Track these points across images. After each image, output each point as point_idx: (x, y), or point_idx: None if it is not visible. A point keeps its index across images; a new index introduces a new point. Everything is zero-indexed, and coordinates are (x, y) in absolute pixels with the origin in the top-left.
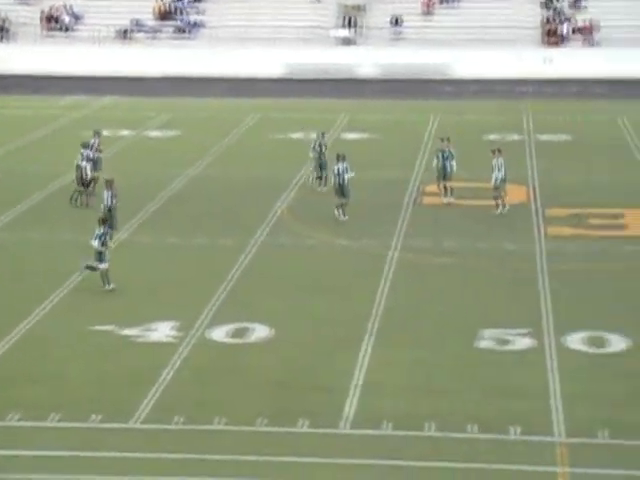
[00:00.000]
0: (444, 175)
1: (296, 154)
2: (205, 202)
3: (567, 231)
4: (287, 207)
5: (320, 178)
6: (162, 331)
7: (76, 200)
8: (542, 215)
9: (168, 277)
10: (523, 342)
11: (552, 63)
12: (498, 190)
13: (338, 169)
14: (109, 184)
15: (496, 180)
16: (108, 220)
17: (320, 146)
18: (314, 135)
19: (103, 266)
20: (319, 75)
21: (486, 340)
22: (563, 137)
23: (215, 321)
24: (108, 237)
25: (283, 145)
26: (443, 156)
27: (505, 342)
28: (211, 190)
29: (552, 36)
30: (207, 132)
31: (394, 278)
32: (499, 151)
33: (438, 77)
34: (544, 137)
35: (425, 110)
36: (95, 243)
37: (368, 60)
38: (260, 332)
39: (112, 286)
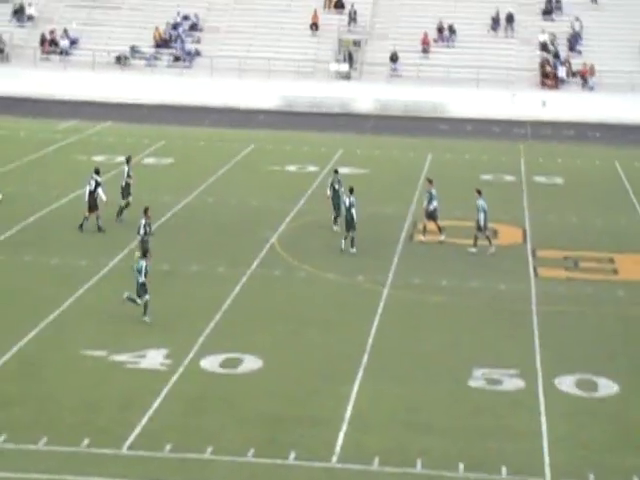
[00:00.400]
0: (429, 215)
1: (290, 186)
2: (198, 231)
3: (559, 273)
4: (280, 239)
5: (336, 218)
6: (154, 358)
7: (81, 226)
8: (535, 256)
9: (160, 305)
10: (514, 383)
11: (548, 106)
12: (483, 230)
13: (347, 202)
14: (146, 212)
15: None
16: (146, 250)
17: (333, 185)
18: (314, 168)
19: (147, 297)
20: (315, 108)
21: (477, 379)
22: (558, 180)
23: (206, 350)
24: (148, 268)
25: (278, 177)
26: (430, 196)
27: (496, 382)
28: (205, 219)
29: (549, 79)
30: (202, 161)
31: (386, 314)
32: (479, 192)
33: (434, 115)
34: (539, 179)
35: (421, 147)
36: (141, 278)
37: (365, 95)
38: (250, 363)
39: (149, 319)
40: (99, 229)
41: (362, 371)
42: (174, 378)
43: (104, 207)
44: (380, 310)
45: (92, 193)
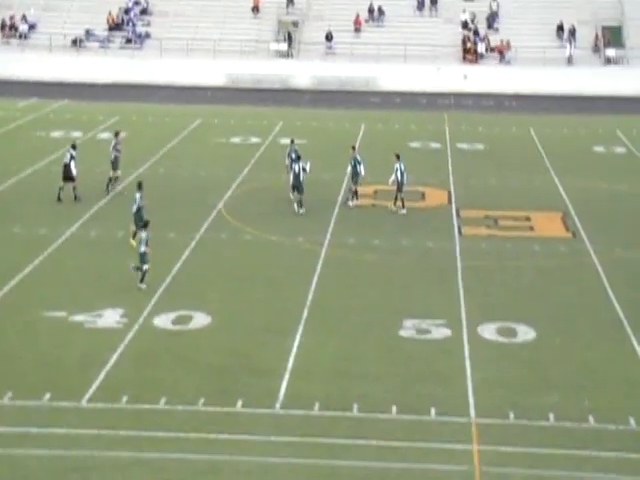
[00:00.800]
0: (354, 180)
1: (235, 157)
2: (150, 199)
3: (481, 231)
4: (226, 205)
5: (293, 186)
6: (110, 317)
7: (59, 197)
8: (459, 216)
9: (115, 268)
10: (441, 332)
11: (470, 79)
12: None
13: (295, 168)
14: (140, 185)
15: (394, 182)
16: (147, 221)
17: (290, 154)
18: (256, 139)
19: (146, 267)
20: (257, 85)
21: (408, 329)
22: (479, 146)
23: (159, 309)
24: (148, 238)
25: (223, 148)
26: (354, 162)
27: (425, 331)
28: (156, 188)
29: (470, 54)
30: (153, 135)
31: (324, 272)
32: (397, 156)
33: (366, 89)
34: (462, 145)
35: (354, 119)
36: (142, 247)
37: (303, 72)
38: (200, 319)
39: (144, 286)
40: (75, 198)
41: (303, 325)
42: (129, 335)
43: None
44: (319, 268)
45: (67, 165)
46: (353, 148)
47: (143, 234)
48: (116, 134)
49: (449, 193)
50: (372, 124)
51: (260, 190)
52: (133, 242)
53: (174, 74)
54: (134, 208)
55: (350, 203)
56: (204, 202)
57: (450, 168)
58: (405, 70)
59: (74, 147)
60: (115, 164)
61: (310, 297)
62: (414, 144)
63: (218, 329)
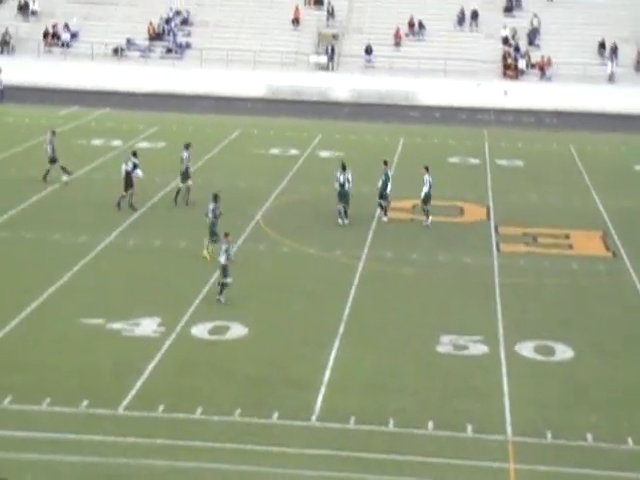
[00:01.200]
0: (384, 195)
1: (274, 168)
2: (189, 209)
3: (519, 248)
4: (264, 216)
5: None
6: (147, 326)
7: (118, 204)
8: (497, 232)
9: (152, 277)
10: (478, 348)
11: (510, 94)
12: (426, 204)
13: (341, 178)
14: (216, 198)
15: (425, 195)
16: (216, 233)
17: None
18: (295, 151)
19: (229, 280)
20: (297, 96)
21: (445, 345)
22: (518, 162)
23: (196, 319)
24: (232, 251)
25: (262, 160)
26: (385, 177)
27: (462, 347)
28: (194, 198)
29: (510, 70)
30: (193, 145)
31: (361, 286)
32: (427, 169)
33: (405, 103)
34: (501, 162)
35: (393, 133)
36: (222, 259)
37: (342, 85)
38: (237, 330)
39: (223, 299)
40: (131, 206)
41: (339, 338)
42: (166, 344)
43: (135, 186)
44: (356, 282)
45: (129, 173)
46: (385, 163)
47: (223, 246)
48: (186, 146)
49: (488, 209)
50: (411, 138)
51: (298, 202)
52: (206, 254)
53: (214, 84)
54: (208, 220)
55: (384, 219)
56: (243, 213)
57: (489, 184)
58: (445, 85)
59: (135, 154)
60: (185, 175)
61: (347, 311)
62: (453, 159)
63: (255, 340)
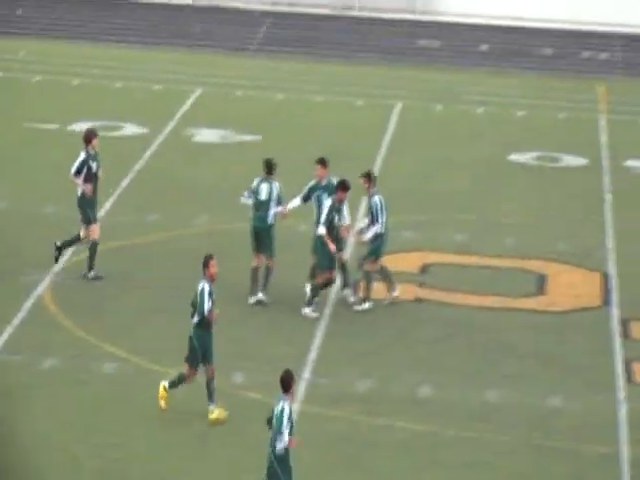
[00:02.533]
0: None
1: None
2: None
3: None
4: (56, 287)
5: None
6: None
7: None
8: (627, 335)
9: None
10: None
11: None
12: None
13: (263, 194)
14: None
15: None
16: None
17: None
18: None
19: None
20: None
21: None
22: None
23: None
24: None
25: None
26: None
27: None
28: None
29: None
30: None
31: None
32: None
33: (410, 15)
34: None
35: (379, 86)
36: None
37: None
38: None
39: None
40: None
41: None
42: None
43: None
44: None
45: None
46: (322, 162)
47: None
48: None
49: (604, 279)
50: (419, 102)
51: (144, 249)
52: None
53: None
54: None
55: (352, 300)
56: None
57: (609, 219)
58: None
59: None
60: None
61: None
62: (520, 156)
63: None
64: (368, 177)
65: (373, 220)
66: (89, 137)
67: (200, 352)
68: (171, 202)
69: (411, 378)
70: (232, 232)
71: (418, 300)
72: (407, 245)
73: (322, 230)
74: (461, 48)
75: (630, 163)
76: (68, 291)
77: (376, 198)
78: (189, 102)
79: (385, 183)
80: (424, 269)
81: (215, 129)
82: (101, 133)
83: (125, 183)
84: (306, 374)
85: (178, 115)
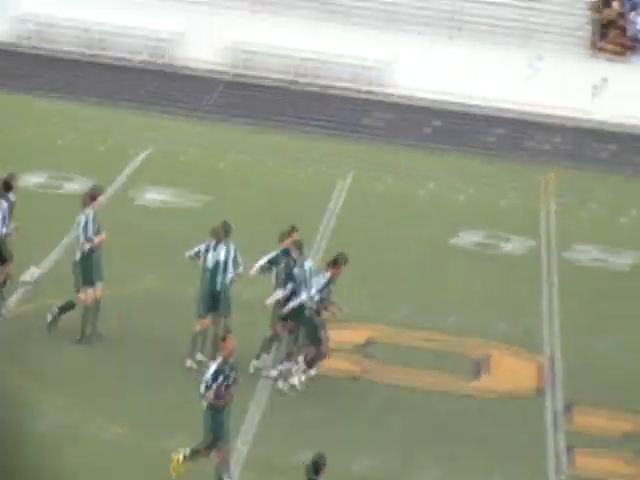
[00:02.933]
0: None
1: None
2: None
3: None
4: None
5: None
6: None
7: None
8: (569, 421)
9: None
10: None
11: (609, 90)
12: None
13: (218, 257)
14: None
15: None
16: None
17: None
18: None
19: None
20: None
21: None
22: (623, 259)
23: None
24: None
25: None
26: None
27: None
28: None
29: (612, 39)
30: None
31: None
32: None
33: (356, 91)
34: (580, 255)
35: (331, 159)
36: None
37: (196, 33)
38: None
39: None
40: None
41: None
42: None
43: None
44: None
45: None
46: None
47: None
48: None
49: (544, 363)
50: (366, 175)
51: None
52: None
53: None
54: None
55: (286, 384)
56: None
57: (547, 304)
58: (456, 57)
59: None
60: None
61: None
62: (463, 238)
63: None
64: (296, 245)
65: (299, 288)
66: (95, 195)
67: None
68: (117, 261)
69: (347, 454)
70: (180, 293)
71: (358, 375)
72: (350, 318)
73: (317, 297)
74: (408, 127)
75: (572, 251)
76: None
77: (306, 265)
78: (138, 162)
79: (330, 255)
80: (366, 343)
81: (163, 189)
82: (44, 189)
83: (67, 241)
84: (243, 443)
85: (126, 174)
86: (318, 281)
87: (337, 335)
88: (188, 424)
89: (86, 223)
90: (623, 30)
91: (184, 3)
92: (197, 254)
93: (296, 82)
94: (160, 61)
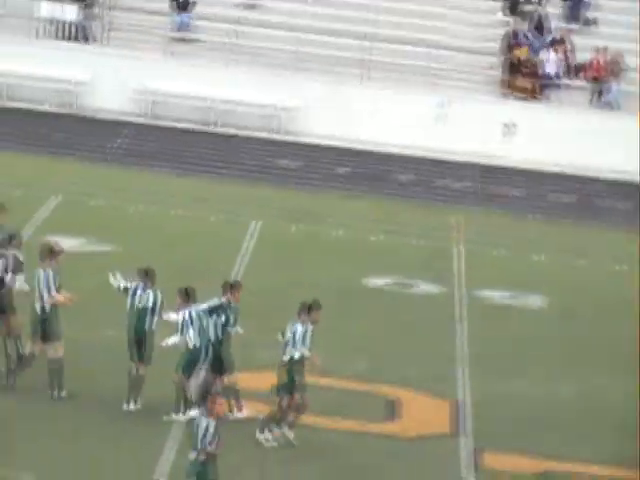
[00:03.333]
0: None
1: None
2: None
3: None
4: None
5: None
6: None
7: None
8: (477, 468)
9: None
10: None
11: (518, 134)
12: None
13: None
14: None
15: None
16: None
17: None
18: None
19: None
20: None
21: None
22: (531, 299)
23: None
24: None
25: None
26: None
27: None
28: None
29: (521, 80)
30: None
31: None
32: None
33: (265, 135)
34: (488, 293)
35: (237, 205)
36: None
37: (105, 82)
38: None
39: None
40: None
41: None
42: None
43: None
44: None
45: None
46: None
47: None
48: None
49: (455, 406)
50: (277, 223)
51: None
52: None
53: None
54: None
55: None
56: None
57: (460, 349)
58: (364, 99)
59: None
60: None
61: None
62: (375, 281)
63: None
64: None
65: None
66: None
67: None
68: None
69: None
70: (94, 340)
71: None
72: (259, 363)
73: (307, 353)
74: (320, 170)
75: (483, 293)
76: None
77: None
78: (47, 209)
79: (241, 300)
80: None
81: (71, 237)
82: None
83: None
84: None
85: (35, 222)
86: (301, 336)
87: (248, 381)
88: None
89: (47, 279)
90: (534, 69)
91: (88, 53)
92: (126, 290)
93: (205, 126)
94: (68, 110)
